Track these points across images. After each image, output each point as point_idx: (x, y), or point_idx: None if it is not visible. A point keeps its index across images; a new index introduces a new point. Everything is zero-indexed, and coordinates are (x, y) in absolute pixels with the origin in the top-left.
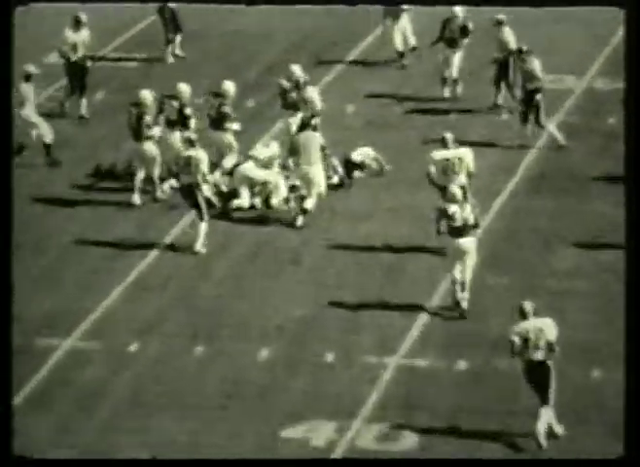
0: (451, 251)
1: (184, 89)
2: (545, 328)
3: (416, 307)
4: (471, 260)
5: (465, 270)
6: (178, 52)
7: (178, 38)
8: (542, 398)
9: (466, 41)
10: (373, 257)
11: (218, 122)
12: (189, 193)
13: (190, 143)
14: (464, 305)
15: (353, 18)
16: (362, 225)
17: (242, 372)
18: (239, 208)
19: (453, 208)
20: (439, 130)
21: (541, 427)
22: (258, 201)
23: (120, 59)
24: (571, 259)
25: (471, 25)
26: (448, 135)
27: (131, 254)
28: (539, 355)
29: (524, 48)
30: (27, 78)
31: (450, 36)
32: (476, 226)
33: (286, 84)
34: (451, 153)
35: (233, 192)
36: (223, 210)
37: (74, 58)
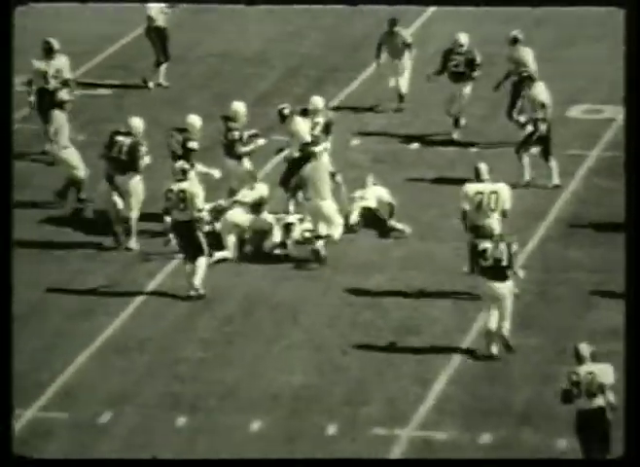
0: (484, 295)
1: (193, 121)
2: (600, 374)
3: (432, 372)
4: (508, 305)
5: (503, 316)
6: (162, 80)
7: (163, 66)
8: (596, 451)
9: (475, 74)
10: (382, 315)
11: (229, 148)
12: (185, 230)
13: (183, 174)
14: (507, 342)
15: (355, 34)
16: (369, 277)
17: (231, 447)
18: (223, 260)
19: (485, 245)
20: (456, 169)
21: None
22: (249, 250)
23: (90, 86)
24: (612, 317)
25: (479, 58)
26: (482, 166)
27: (102, 311)
28: (595, 403)
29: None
30: (61, 105)
31: (455, 70)
32: (508, 268)
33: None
34: (486, 187)
35: (218, 239)
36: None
37: (48, 88)
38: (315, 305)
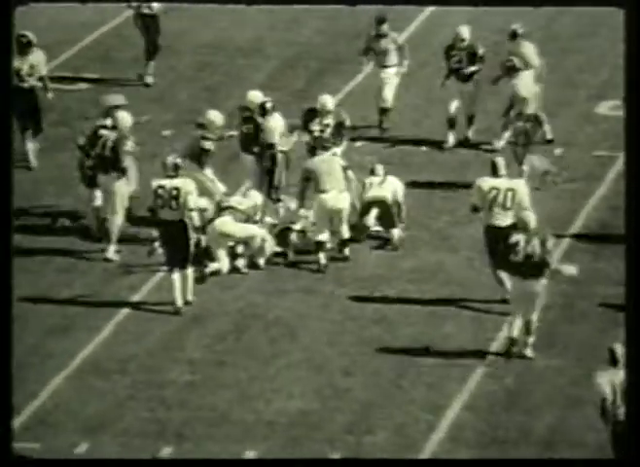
0: (513, 294)
1: (213, 117)
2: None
3: (445, 397)
4: (539, 302)
5: (528, 320)
6: (149, 77)
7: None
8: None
9: (477, 70)
10: (390, 331)
11: (246, 143)
12: (175, 232)
13: (175, 169)
14: (529, 353)
15: (359, 21)
16: (375, 289)
17: None
18: (216, 273)
19: (516, 238)
20: (470, 172)
21: None
22: (242, 263)
23: (65, 80)
24: None
25: (481, 50)
26: (499, 160)
27: (80, 327)
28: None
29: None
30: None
31: (458, 67)
32: (543, 265)
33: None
34: (503, 183)
35: (207, 251)
36: (196, 275)
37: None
38: (315, 321)
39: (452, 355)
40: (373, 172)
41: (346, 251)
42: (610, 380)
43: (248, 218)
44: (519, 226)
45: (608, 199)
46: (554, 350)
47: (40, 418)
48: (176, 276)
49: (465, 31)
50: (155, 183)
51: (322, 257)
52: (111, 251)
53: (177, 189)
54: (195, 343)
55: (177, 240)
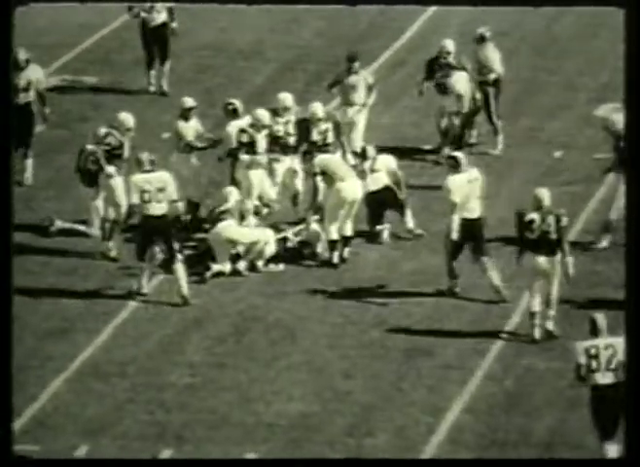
0: (530, 270)
1: (262, 115)
2: (618, 347)
3: (445, 399)
4: (555, 282)
5: (548, 296)
6: (164, 84)
7: (167, 65)
8: (610, 432)
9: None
10: (390, 334)
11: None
12: (164, 227)
13: (152, 164)
14: (551, 326)
15: (360, 23)
16: (375, 292)
17: None
18: (219, 274)
19: (532, 216)
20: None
21: None
22: (243, 265)
23: (66, 89)
24: None
25: (469, 65)
26: (461, 155)
27: (79, 329)
28: (608, 378)
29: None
30: (185, 114)
31: (443, 81)
32: (559, 242)
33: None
34: (470, 175)
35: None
36: (198, 277)
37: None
38: (315, 324)
39: (452, 357)
40: (364, 155)
41: (346, 252)
42: (586, 348)
43: (256, 213)
44: (534, 204)
45: (608, 203)
46: (554, 352)
47: (40, 421)
48: (179, 266)
49: (450, 44)
50: (137, 178)
51: (335, 255)
52: (111, 248)
53: (162, 181)
54: (195, 346)
55: (165, 237)
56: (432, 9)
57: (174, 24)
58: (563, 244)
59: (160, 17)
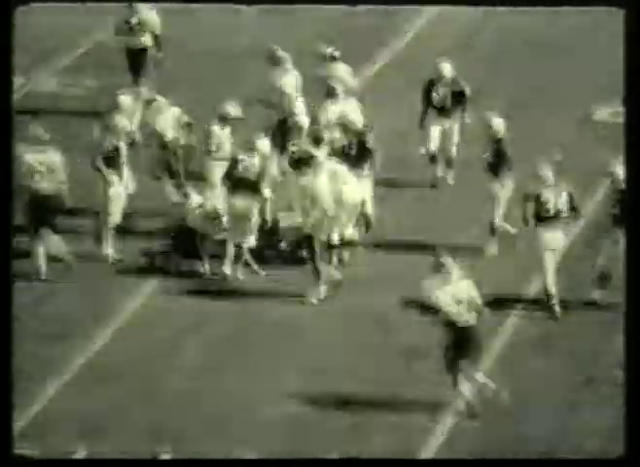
0: (542, 244)
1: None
2: (473, 289)
3: (442, 401)
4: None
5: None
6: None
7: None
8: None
9: (463, 109)
10: (390, 335)
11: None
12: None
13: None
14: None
15: (359, 24)
16: (375, 294)
17: None
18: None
19: (547, 195)
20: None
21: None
22: (253, 266)
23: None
24: None
25: (468, 90)
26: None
27: (77, 333)
28: (472, 319)
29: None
30: (222, 119)
31: (442, 105)
32: (575, 215)
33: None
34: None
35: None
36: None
37: None
38: (316, 324)
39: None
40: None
41: (345, 254)
42: (444, 291)
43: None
44: (542, 181)
45: (606, 205)
46: (554, 357)
47: (39, 425)
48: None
49: (447, 68)
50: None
51: (346, 255)
52: (109, 251)
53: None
54: (194, 347)
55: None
56: (432, 9)
57: (160, 55)
58: (578, 210)
59: (145, 40)
